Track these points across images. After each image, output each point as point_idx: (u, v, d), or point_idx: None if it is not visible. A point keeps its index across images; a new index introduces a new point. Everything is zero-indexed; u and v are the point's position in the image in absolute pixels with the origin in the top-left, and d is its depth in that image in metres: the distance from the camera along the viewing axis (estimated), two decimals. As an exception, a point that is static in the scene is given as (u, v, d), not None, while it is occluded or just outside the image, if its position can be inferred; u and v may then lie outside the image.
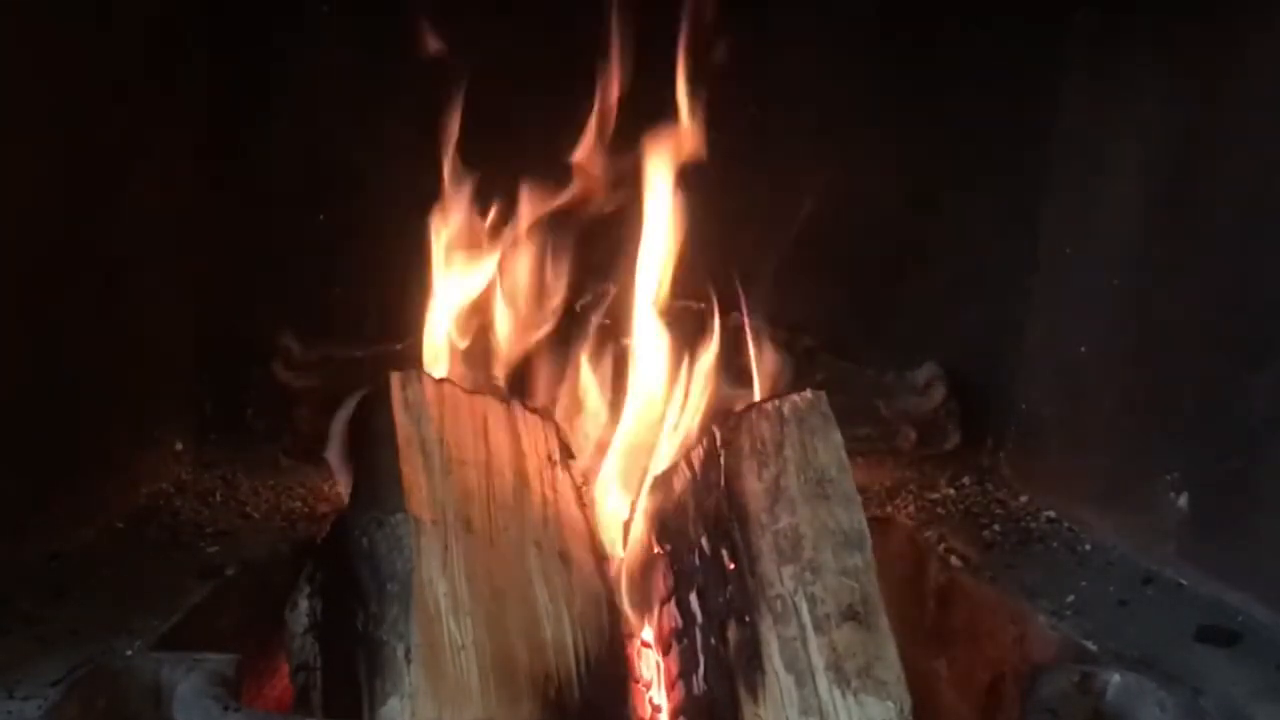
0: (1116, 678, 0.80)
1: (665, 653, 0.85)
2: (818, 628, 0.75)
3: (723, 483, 0.85)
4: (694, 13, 1.12)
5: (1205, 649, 0.88)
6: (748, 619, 0.77)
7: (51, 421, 1.00)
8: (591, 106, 1.14)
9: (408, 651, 0.72)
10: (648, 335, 1.09)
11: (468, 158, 1.17)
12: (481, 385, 1.06)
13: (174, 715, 0.75)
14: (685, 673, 0.81)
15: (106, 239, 1.10)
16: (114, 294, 1.11)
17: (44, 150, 0.98)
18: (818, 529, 0.80)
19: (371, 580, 0.78)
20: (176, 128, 1.22)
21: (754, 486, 0.84)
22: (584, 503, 0.94)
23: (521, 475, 0.89)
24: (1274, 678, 0.83)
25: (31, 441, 0.96)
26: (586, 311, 1.22)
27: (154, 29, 1.15)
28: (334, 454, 0.95)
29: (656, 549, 0.90)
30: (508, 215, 1.16)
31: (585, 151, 1.14)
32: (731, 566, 0.81)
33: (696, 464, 0.90)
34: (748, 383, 1.06)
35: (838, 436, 0.85)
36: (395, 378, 0.88)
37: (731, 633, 0.78)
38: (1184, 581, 1.01)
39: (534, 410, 0.96)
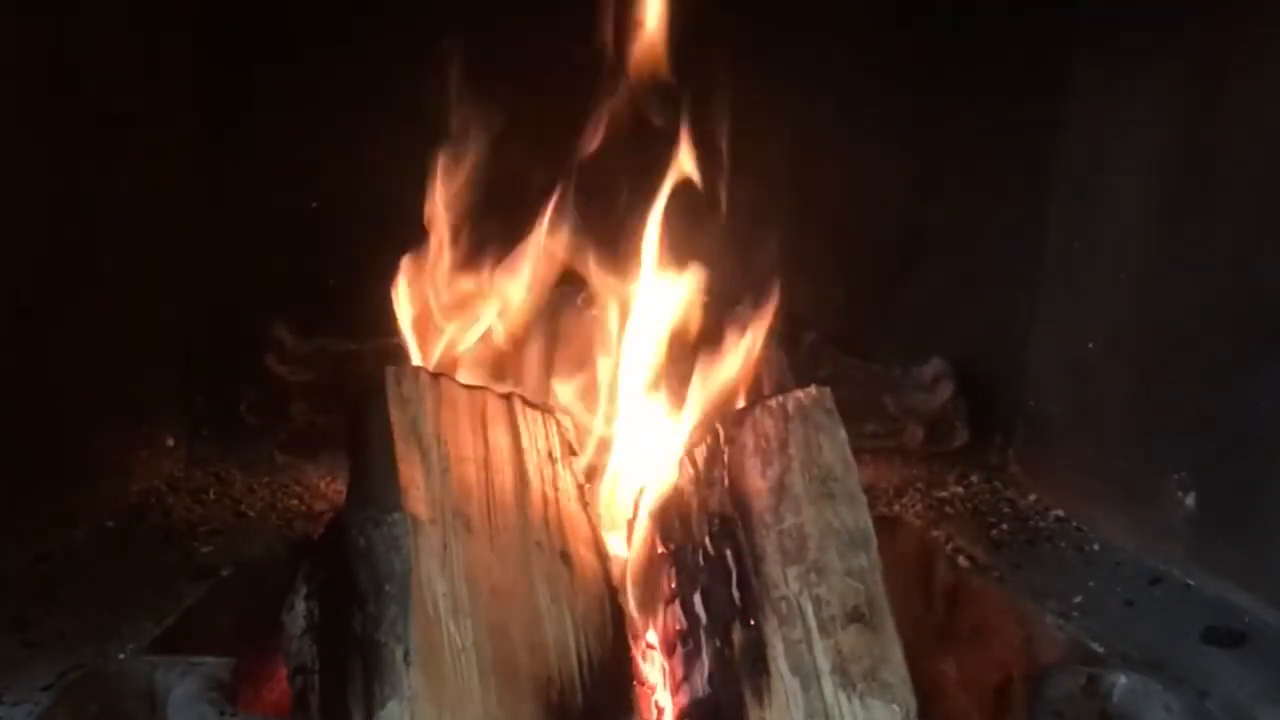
0: (1123, 679, 0.80)
1: (670, 655, 0.84)
2: (823, 630, 0.74)
3: (726, 481, 0.84)
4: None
5: (1212, 650, 0.88)
6: (752, 621, 0.76)
7: (38, 417, 0.98)
8: (593, 93, 1.12)
9: (406, 654, 0.71)
10: (650, 328, 1.08)
11: (465, 145, 1.14)
12: (480, 380, 1.04)
13: (168, 721, 0.74)
14: (690, 675, 0.80)
15: (94, 230, 1.08)
16: (102, 284, 1.09)
17: (30, 141, 0.96)
18: (822, 529, 0.79)
19: (369, 581, 0.76)
20: (167, 118, 1.20)
21: (758, 485, 0.83)
22: (586, 501, 0.92)
23: (521, 473, 0.87)
24: (1280, 679, 0.83)
25: (17, 438, 0.95)
26: (587, 304, 1.21)
27: (144, 19, 1.13)
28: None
29: (660, 549, 0.89)
30: (506, 209, 1.14)
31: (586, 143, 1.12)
32: (736, 567, 0.79)
33: (700, 461, 0.89)
34: (752, 378, 1.05)
35: (843, 434, 0.84)
36: (390, 372, 0.86)
37: (736, 635, 0.77)
38: (1191, 582, 1.01)
39: (534, 406, 0.94)
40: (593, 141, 1.12)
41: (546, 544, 0.84)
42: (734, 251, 1.21)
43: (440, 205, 1.12)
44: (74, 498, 1.05)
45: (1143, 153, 1.14)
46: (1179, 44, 1.09)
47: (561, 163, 1.13)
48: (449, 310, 1.10)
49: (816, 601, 0.75)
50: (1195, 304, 1.05)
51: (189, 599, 0.89)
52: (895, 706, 0.71)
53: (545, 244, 1.12)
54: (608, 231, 1.14)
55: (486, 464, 0.86)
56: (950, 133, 1.25)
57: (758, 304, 1.05)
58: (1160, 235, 1.11)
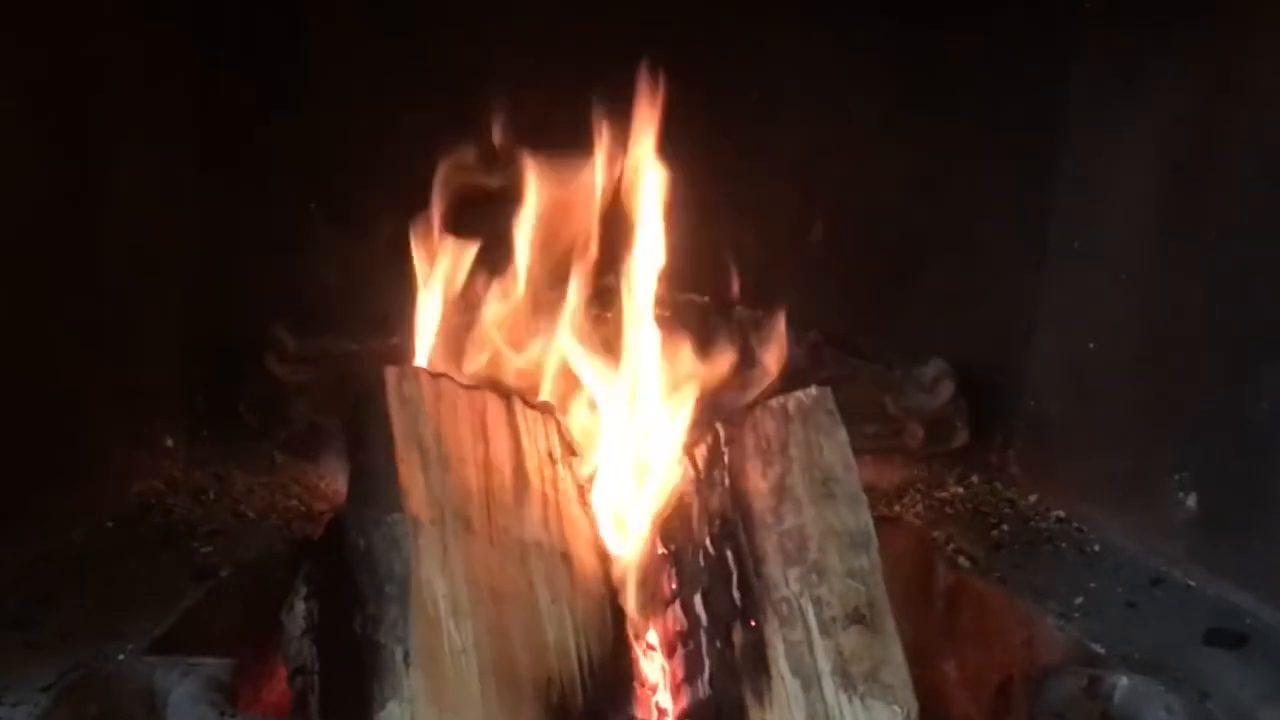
0: (1124, 681, 0.80)
1: (670, 656, 0.84)
2: (824, 631, 0.75)
3: (727, 481, 0.84)
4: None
5: (1213, 651, 0.88)
6: (753, 622, 0.76)
7: (38, 417, 0.98)
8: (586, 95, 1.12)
9: (406, 655, 0.71)
10: (650, 329, 1.08)
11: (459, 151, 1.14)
12: (480, 380, 1.04)
13: (168, 722, 0.74)
14: (691, 676, 0.80)
15: (94, 229, 1.07)
16: (102, 285, 1.09)
17: (30, 143, 0.96)
18: (823, 530, 0.79)
19: (369, 582, 0.76)
20: (166, 118, 1.20)
21: (759, 486, 0.83)
22: (586, 501, 0.92)
23: (521, 473, 0.87)
24: (1282, 680, 0.83)
25: (17, 438, 0.94)
26: (586, 304, 1.20)
27: (142, 15, 1.13)
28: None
29: (660, 549, 0.89)
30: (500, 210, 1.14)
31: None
32: (737, 568, 0.79)
33: (701, 462, 0.89)
34: (752, 378, 1.05)
35: (843, 434, 0.84)
36: (390, 372, 0.86)
37: (737, 636, 0.77)
38: (1192, 583, 1.01)
39: (534, 406, 0.94)
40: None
41: (546, 544, 0.84)
42: (734, 252, 1.21)
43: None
44: (73, 498, 1.04)
45: (1143, 153, 1.14)
46: (1179, 44, 1.09)
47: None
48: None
49: (817, 602, 0.76)
50: (1195, 304, 1.05)
51: (188, 600, 0.89)
52: (896, 708, 0.71)
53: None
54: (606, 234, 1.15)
55: (486, 464, 0.85)
56: (950, 133, 1.25)
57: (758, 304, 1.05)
58: (1160, 235, 1.11)
